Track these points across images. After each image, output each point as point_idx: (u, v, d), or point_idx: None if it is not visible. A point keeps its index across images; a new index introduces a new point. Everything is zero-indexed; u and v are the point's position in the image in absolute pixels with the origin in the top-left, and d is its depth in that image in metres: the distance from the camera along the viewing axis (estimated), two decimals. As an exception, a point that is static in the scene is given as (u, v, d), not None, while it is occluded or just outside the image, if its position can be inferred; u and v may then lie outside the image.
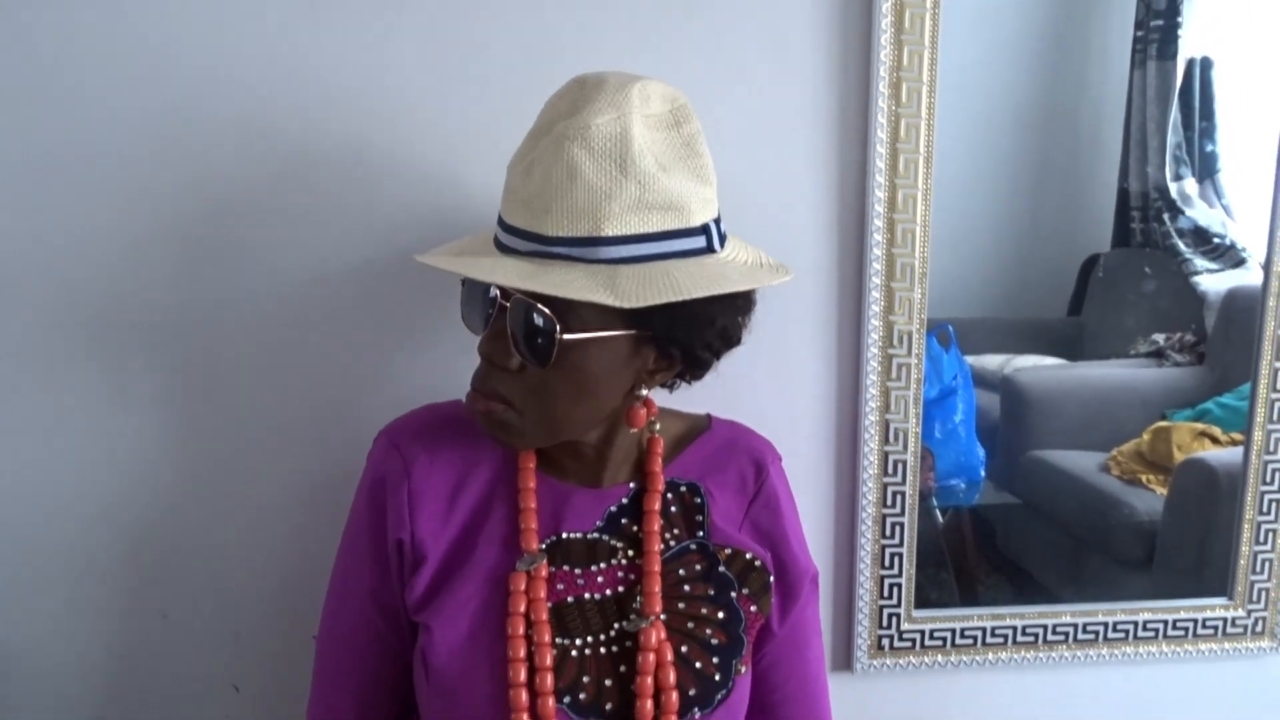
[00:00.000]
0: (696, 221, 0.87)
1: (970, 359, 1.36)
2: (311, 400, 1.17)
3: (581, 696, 0.89)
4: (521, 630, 0.89)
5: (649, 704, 0.88)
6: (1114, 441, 1.40)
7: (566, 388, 0.86)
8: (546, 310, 0.83)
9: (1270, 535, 1.33)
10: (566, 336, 0.83)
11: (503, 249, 0.87)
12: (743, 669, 0.94)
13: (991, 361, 1.40)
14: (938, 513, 1.38)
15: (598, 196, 0.82)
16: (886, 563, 1.28)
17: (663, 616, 0.91)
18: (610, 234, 0.82)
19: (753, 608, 0.95)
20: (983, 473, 1.39)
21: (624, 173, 0.82)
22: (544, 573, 0.91)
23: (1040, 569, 1.41)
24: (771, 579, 0.97)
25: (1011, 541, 1.43)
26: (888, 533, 1.27)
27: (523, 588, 0.90)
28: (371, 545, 0.96)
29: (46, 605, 1.19)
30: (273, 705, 1.23)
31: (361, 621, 0.97)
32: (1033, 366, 1.40)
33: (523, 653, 0.88)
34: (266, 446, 1.18)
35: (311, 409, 1.17)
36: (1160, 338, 1.41)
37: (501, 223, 0.88)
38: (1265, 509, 1.33)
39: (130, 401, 1.15)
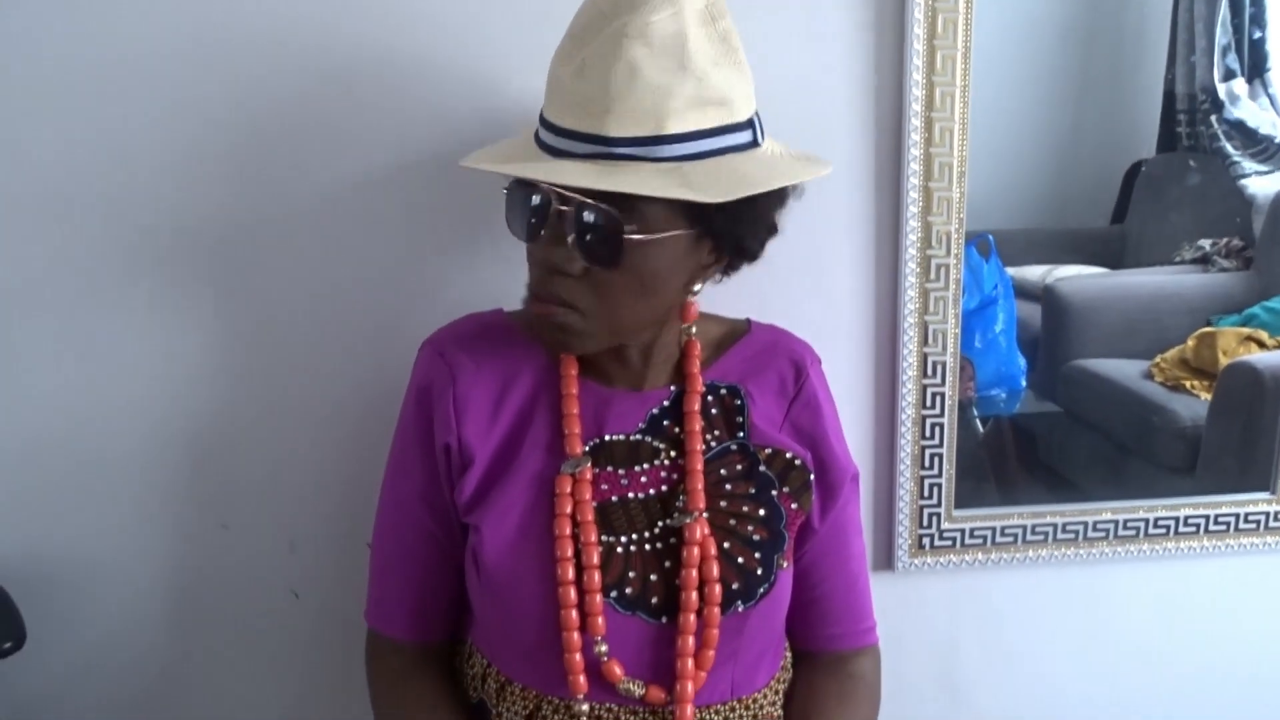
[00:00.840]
0: (743, 116, 0.88)
1: (1012, 270, 1.36)
2: (358, 310, 1.19)
3: (628, 591, 0.92)
4: (568, 529, 0.92)
5: (694, 596, 0.90)
6: (1157, 349, 1.40)
7: (631, 287, 0.88)
8: (614, 211, 0.83)
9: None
10: (633, 236, 0.84)
11: (553, 151, 0.87)
12: (784, 564, 0.96)
13: (1033, 272, 1.39)
14: (978, 423, 1.38)
15: (660, 95, 0.82)
16: (926, 463, 1.29)
17: (705, 514, 0.94)
18: (674, 132, 0.83)
19: (793, 505, 0.97)
20: (1024, 382, 1.40)
21: (683, 69, 0.83)
22: (588, 475, 0.94)
23: (1082, 477, 1.41)
24: (812, 477, 0.99)
25: (1053, 450, 1.44)
26: (927, 434, 1.28)
27: (568, 490, 0.93)
28: (420, 451, 0.99)
29: (114, 518, 1.24)
30: (331, 610, 1.28)
31: (413, 524, 1.00)
32: (1075, 276, 1.39)
33: (570, 550, 0.91)
34: (315, 358, 1.21)
35: (358, 319, 1.20)
36: (1206, 243, 1.40)
37: (548, 124, 0.87)
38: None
39: (183, 317, 1.18)
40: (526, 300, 0.94)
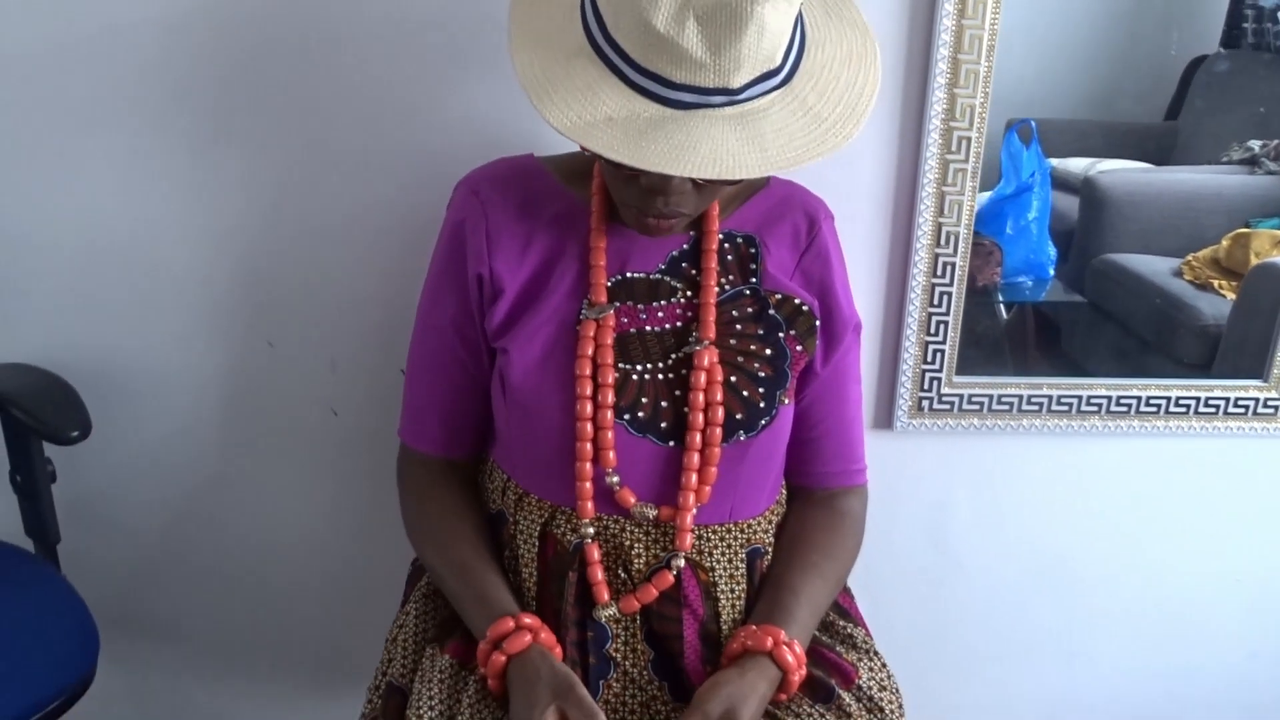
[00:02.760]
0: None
1: (1056, 161, 1.36)
2: (399, 144, 1.25)
3: (640, 415, 1.00)
4: (588, 361, 0.99)
5: (699, 418, 0.98)
6: (1192, 248, 1.41)
7: (728, 182, 0.91)
8: None
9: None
10: None
11: (666, 102, 0.84)
12: (786, 400, 1.03)
13: (1077, 164, 1.39)
14: (1001, 308, 1.42)
15: (779, 38, 0.85)
16: (932, 329, 1.35)
17: (716, 346, 1.01)
18: (781, 59, 0.87)
19: (798, 347, 1.04)
20: (1051, 271, 1.41)
21: (792, 4, 0.85)
22: (610, 321, 1.00)
23: (1099, 368, 1.44)
24: (818, 323, 1.05)
25: (1075, 341, 1.46)
26: (935, 301, 1.33)
27: (590, 333, 1.00)
28: (453, 281, 1.06)
29: (170, 329, 1.34)
30: (367, 427, 1.38)
31: (445, 349, 1.08)
32: (1117, 170, 1.39)
33: (588, 371, 0.98)
34: (357, 189, 1.27)
35: (399, 153, 1.26)
36: (1256, 144, 1.38)
37: (645, 70, 0.84)
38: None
39: (236, 142, 1.25)
40: (626, 209, 0.96)
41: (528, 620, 0.98)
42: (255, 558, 1.46)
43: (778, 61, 0.86)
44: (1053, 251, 1.41)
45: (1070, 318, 1.46)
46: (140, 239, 1.29)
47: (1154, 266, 1.42)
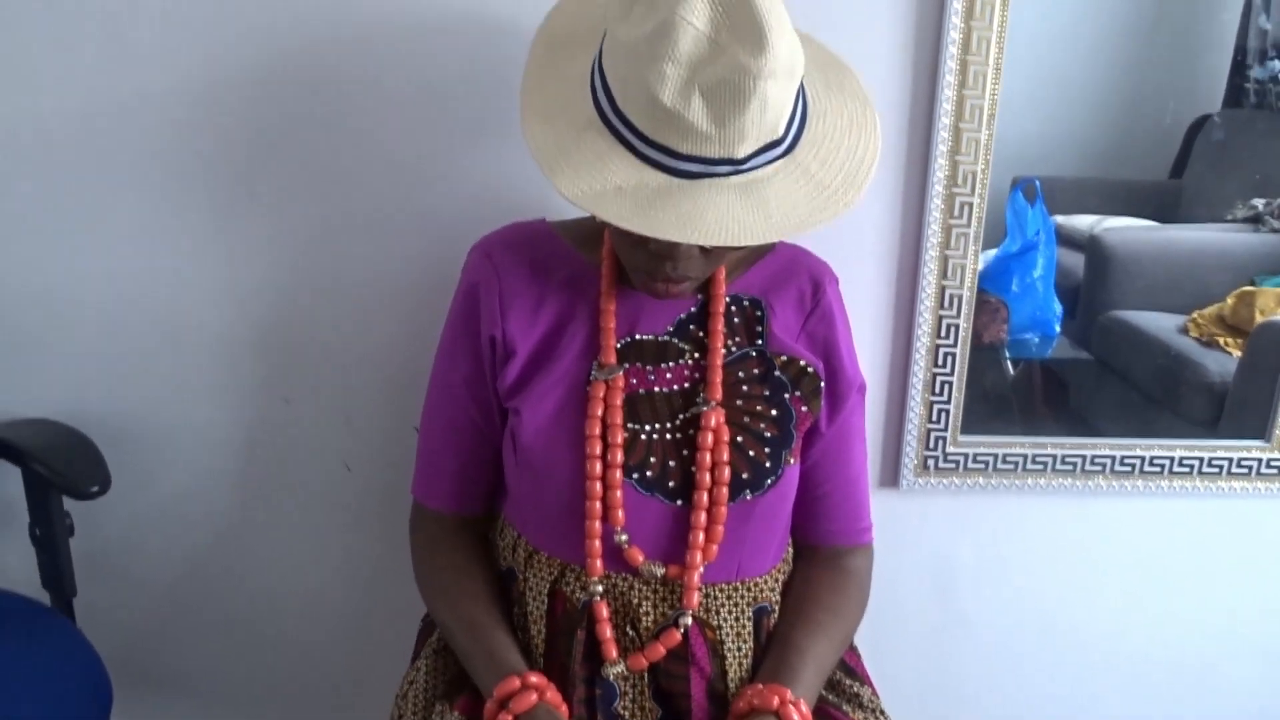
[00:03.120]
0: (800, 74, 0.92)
1: (1061, 219, 1.38)
2: (415, 212, 1.29)
3: (649, 474, 1.02)
4: (599, 412, 1.01)
5: (706, 477, 1.00)
6: (1197, 305, 1.42)
7: (734, 248, 0.94)
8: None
9: (1314, 382, 1.38)
10: None
11: (673, 171, 0.87)
12: (791, 460, 1.05)
13: (1082, 222, 1.41)
14: (1008, 365, 1.43)
15: (782, 110, 0.88)
16: (936, 389, 1.37)
17: (723, 408, 1.03)
18: (784, 130, 0.90)
19: (803, 408, 1.06)
20: (1058, 328, 1.43)
21: (793, 78, 0.88)
22: (620, 383, 1.03)
23: (1107, 425, 1.44)
24: (822, 384, 1.08)
25: (1082, 397, 1.47)
26: (939, 362, 1.36)
27: (600, 394, 1.02)
28: (467, 342, 1.08)
29: (189, 388, 1.37)
30: (380, 483, 1.40)
31: (458, 409, 1.11)
32: (1123, 227, 1.40)
33: (598, 431, 1.00)
34: (373, 256, 1.31)
35: (414, 220, 1.29)
36: (1260, 203, 1.39)
37: (652, 142, 0.87)
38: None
39: (255, 213, 1.29)
40: (636, 274, 0.99)
41: (534, 679, 0.99)
42: (268, 611, 1.48)
43: (780, 132, 0.89)
44: (1059, 308, 1.42)
45: (1077, 374, 1.47)
46: (162, 298, 1.32)
47: (1160, 323, 1.44)
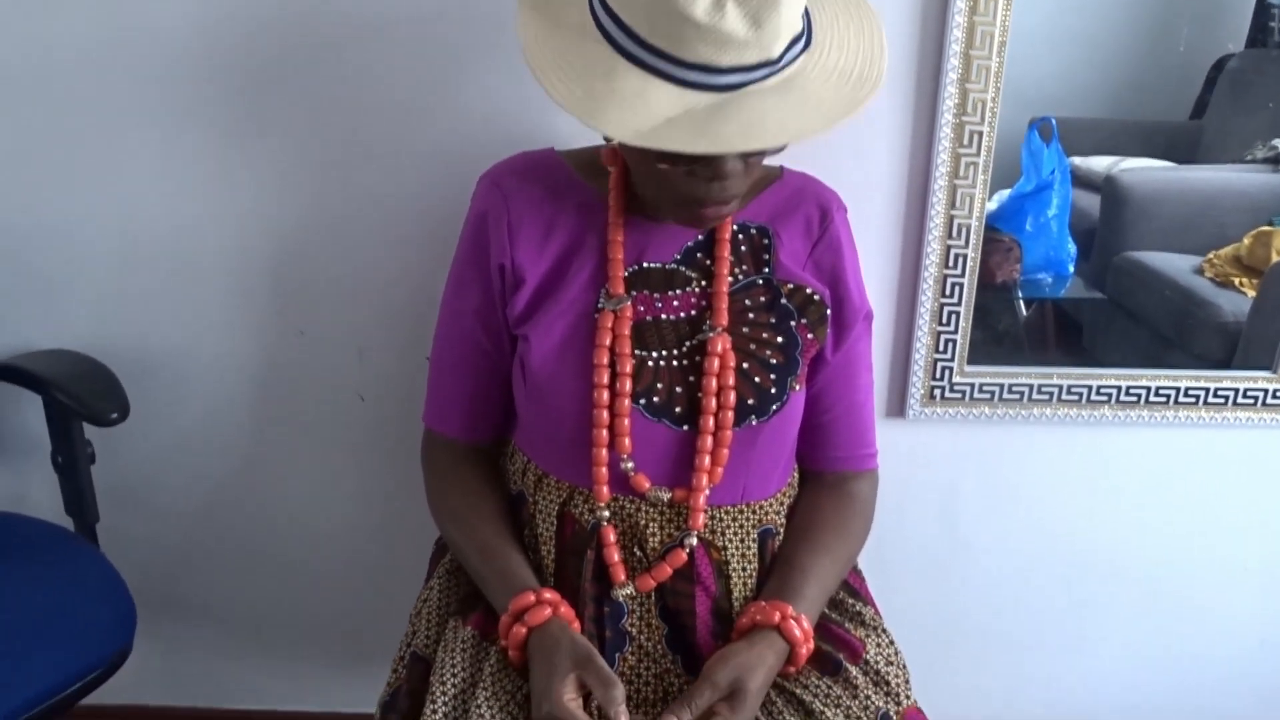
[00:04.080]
0: None
1: (1078, 160, 1.37)
2: (426, 141, 1.30)
3: (655, 399, 1.03)
4: (606, 341, 1.03)
5: (712, 402, 1.02)
6: (1214, 246, 1.42)
7: (774, 153, 0.96)
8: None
9: (1324, 314, 1.38)
10: None
11: (715, 88, 0.87)
12: (796, 386, 1.07)
13: (1100, 163, 1.40)
14: (1021, 305, 1.44)
15: (801, 5, 0.89)
16: (944, 319, 1.38)
17: (729, 334, 1.04)
18: (802, 22, 0.90)
19: (809, 335, 1.07)
20: (1071, 269, 1.42)
21: None
22: (628, 312, 1.04)
23: (1121, 366, 1.44)
24: (829, 312, 1.09)
25: (1094, 338, 1.47)
26: (947, 292, 1.36)
27: (609, 324, 1.03)
28: (477, 271, 1.10)
29: (205, 318, 1.39)
30: (393, 412, 1.43)
31: (468, 337, 1.12)
32: (1140, 168, 1.40)
33: (605, 360, 1.02)
34: (386, 182, 1.32)
35: (425, 149, 1.30)
36: (1279, 142, 1.38)
37: (694, 65, 0.86)
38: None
39: (268, 139, 1.30)
40: (677, 208, 0.98)
41: (548, 595, 1.02)
42: (285, 538, 1.52)
43: (800, 24, 0.90)
44: (1073, 249, 1.42)
45: (1091, 315, 1.47)
46: (176, 231, 1.34)
47: (1175, 264, 1.43)
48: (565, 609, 1.02)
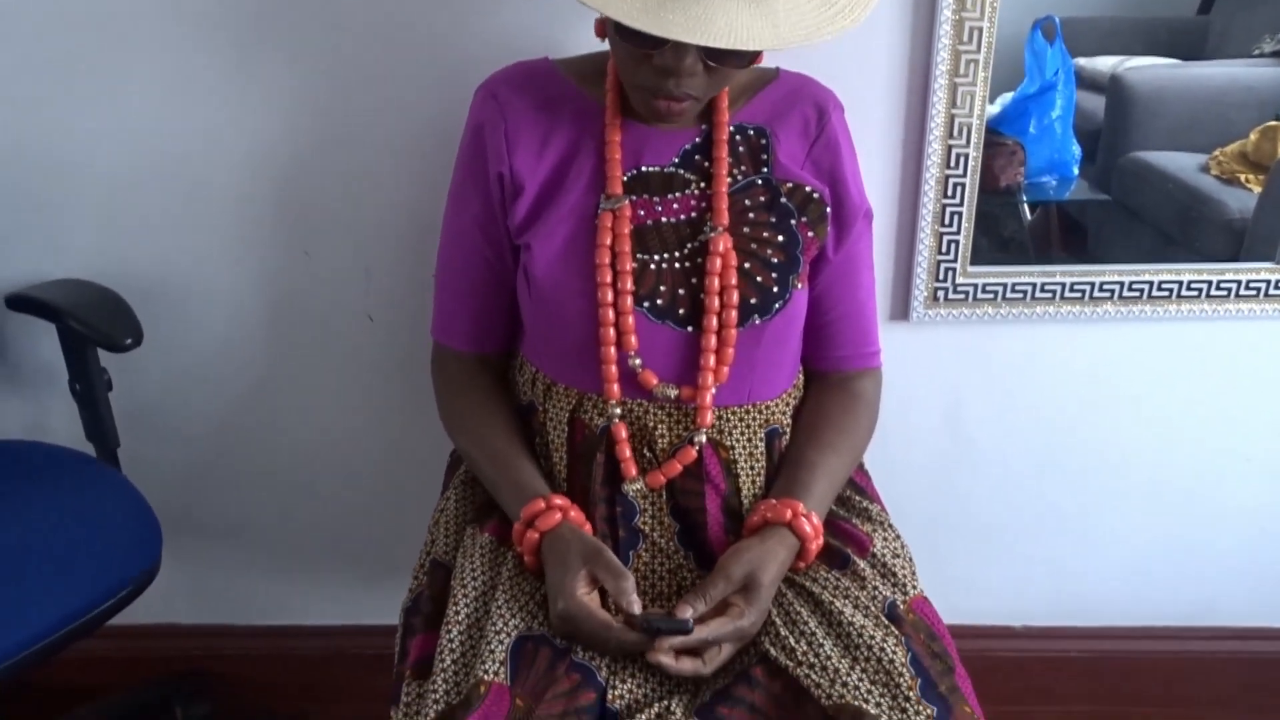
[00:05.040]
0: None
1: (1084, 60, 1.35)
2: (423, 55, 1.29)
3: (659, 302, 1.05)
4: (607, 253, 1.03)
5: (715, 301, 1.03)
6: (1220, 144, 1.39)
7: (737, 65, 0.97)
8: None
9: (1327, 203, 1.38)
10: None
11: None
12: (799, 285, 1.08)
13: (1104, 63, 1.37)
14: (1025, 208, 1.42)
15: None
16: (946, 220, 1.37)
17: (730, 235, 1.04)
18: None
19: (810, 234, 1.08)
20: (1076, 171, 1.41)
21: None
22: (627, 213, 1.05)
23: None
24: (829, 210, 1.09)
25: (1100, 240, 1.46)
26: (949, 193, 1.36)
27: (609, 224, 1.04)
28: (476, 182, 1.10)
29: (213, 242, 1.40)
30: (402, 330, 1.44)
31: (471, 249, 1.13)
32: (1145, 66, 1.37)
33: (607, 261, 1.03)
34: (386, 100, 1.32)
35: (423, 63, 1.30)
36: None
37: None
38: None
39: (268, 59, 1.30)
40: (637, 94, 1.00)
41: (558, 501, 1.04)
42: (303, 457, 1.55)
43: None
44: (1077, 150, 1.41)
45: (1096, 217, 1.46)
46: (181, 156, 1.34)
47: (1181, 163, 1.42)
48: (575, 513, 1.05)
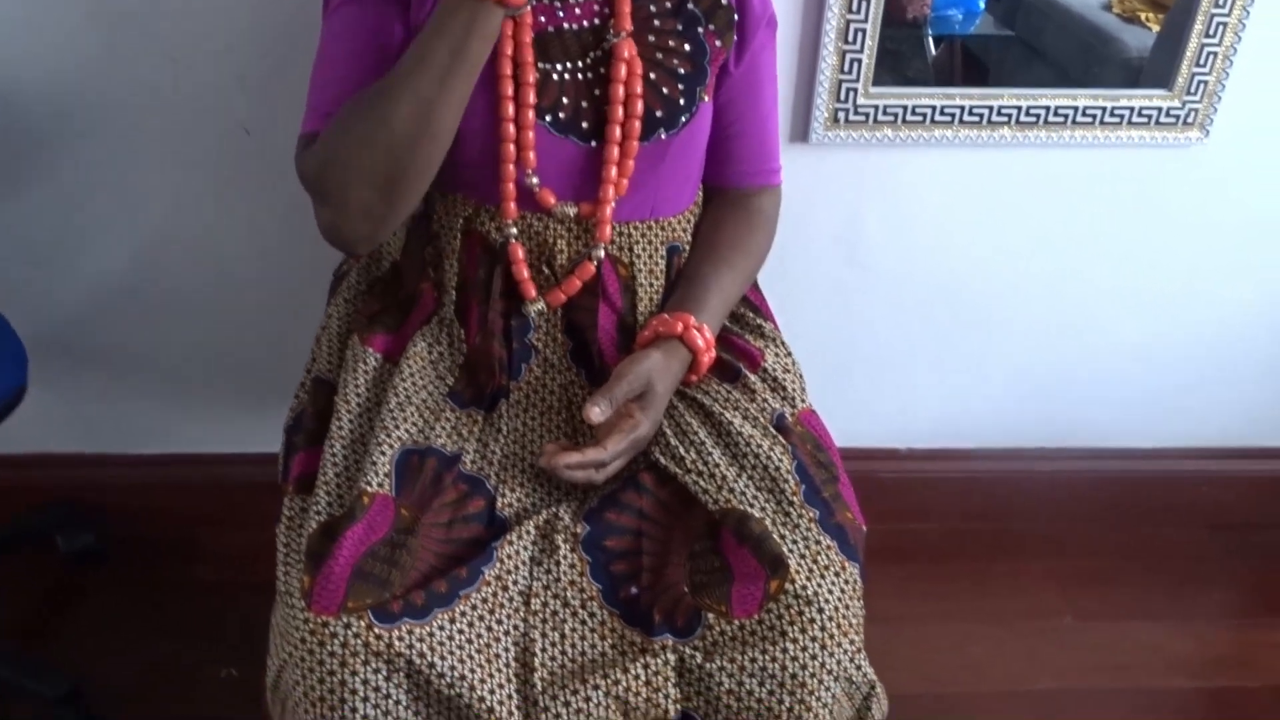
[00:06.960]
0: None
1: None
2: None
3: (561, 115, 1.00)
4: (509, 50, 0.97)
5: (619, 111, 0.99)
6: None
7: None
8: None
9: (1220, 29, 1.38)
10: None
11: None
12: (705, 97, 1.04)
13: None
14: (930, 42, 1.41)
15: None
16: (850, 38, 1.34)
17: (635, 42, 0.99)
18: None
19: (717, 42, 1.04)
20: (982, 5, 1.40)
21: None
22: (528, 19, 0.98)
23: None
24: (736, 18, 1.05)
25: (1002, 77, 1.46)
26: (854, 9, 1.32)
27: (509, 32, 0.97)
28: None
29: (70, 51, 1.29)
30: (281, 144, 1.32)
31: (364, 26, 0.98)
32: None
33: (509, 71, 0.97)
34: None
35: None
36: None
37: None
38: (1221, 2, 1.37)
39: None
40: None
41: None
42: (181, 278, 1.48)
43: None
44: (985, -14, 1.39)
45: (999, 53, 1.46)
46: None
47: (1085, 1, 1.43)
48: None
